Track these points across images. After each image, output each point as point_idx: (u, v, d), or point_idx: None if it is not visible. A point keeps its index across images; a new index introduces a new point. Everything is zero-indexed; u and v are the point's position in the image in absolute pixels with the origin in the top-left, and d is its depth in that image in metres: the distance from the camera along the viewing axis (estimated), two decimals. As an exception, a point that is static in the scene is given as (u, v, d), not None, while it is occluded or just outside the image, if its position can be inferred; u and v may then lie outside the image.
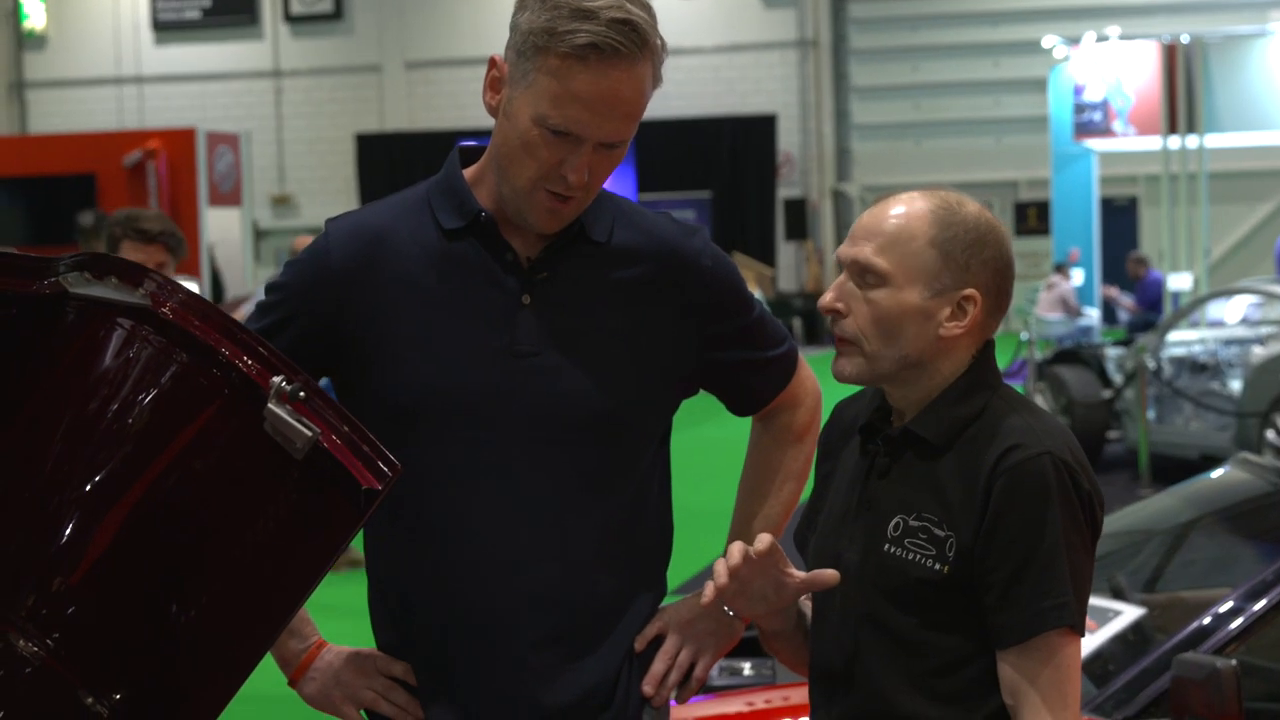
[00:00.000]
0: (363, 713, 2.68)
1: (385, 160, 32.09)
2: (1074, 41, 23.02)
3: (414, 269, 2.58)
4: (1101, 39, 22.65)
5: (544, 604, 2.58)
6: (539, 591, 2.57)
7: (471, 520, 2.57)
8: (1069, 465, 2.43)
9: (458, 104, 31.90)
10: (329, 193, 32.70)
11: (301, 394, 2.18)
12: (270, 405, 2.16)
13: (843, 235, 30.83)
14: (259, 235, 28.84)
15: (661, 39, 2.50)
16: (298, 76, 33.00)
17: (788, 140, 31.42)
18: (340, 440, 2.20)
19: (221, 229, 19.36)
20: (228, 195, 19.12)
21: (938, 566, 2.43)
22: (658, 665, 2.67)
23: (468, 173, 2.64)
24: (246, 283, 20.56)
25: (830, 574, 2.46)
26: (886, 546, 2.48)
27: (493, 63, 2.55)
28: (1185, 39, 20.99)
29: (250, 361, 2.18)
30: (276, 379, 2.17)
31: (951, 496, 2.44)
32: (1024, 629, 2.40)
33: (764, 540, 2.42)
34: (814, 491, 2.70)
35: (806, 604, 2.65)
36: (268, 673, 2.58)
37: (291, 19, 32.93)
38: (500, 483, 2.56)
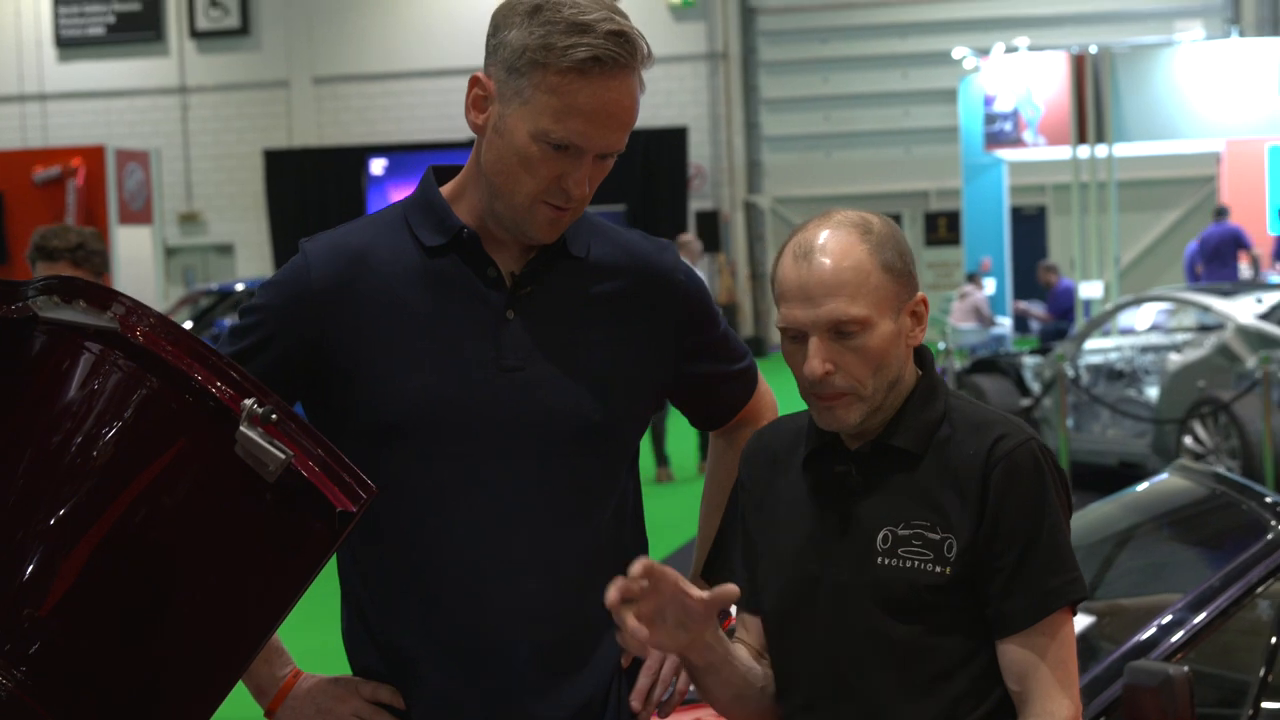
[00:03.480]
0: None
1: (294, 176, 31.90)
2: (983, 53, 23.21)
3: (396, 286, 2.57)
4: (1010, 50, 22.85)
5: (536, 618, 2.57)
6: (531, 606, 2.56)
7: (460, 536, 2.55)
8: (1047, 450, 2.53)
9: (366, 119, 31.75)
10: (237, 209, 32.48)
11: (274, 416, 2.17)
12: (242, 428, 2.14)
13: (755, 247, 30.52)
14: (167, 253, 28.60)
15: (647, 45, 2.53)
16: (205, 93, 32.73)
17: (699, 153, 31.48)
18: (313, 462, 2.19)
19: (132, 247, 19.15)
20: (138, 213, 18.91)
21: (939, 569, 2.46)
22: (643, 680, 2.68)
23: (444, 190, 2.64)
24: (159, 302, 20.35)
25: (731, 589, 2.41)
26: (880, 559, 2.49)
27: (475, 81, 2.55)
28: (1093, 50, 21.23)
29: (222, 385, 2.16)
30: (248, 401, 2.15)
31: (940, 498, 2.48)
32: (1036, 609, 2.46)
33: (637, 566, 2.38)
34: (735, 524, 2.70)
35: (739, 648, 2.64)
36: (241, 701, 2.54)
37: (198, 35, 32.66)
38: (488, 497, 2.55)
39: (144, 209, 19.09)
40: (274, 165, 32.24)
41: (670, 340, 2.69)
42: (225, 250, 32.63)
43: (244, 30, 32.59)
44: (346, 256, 2.59)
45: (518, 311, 2.58)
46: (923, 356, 2.60)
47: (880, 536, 2.49)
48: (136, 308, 2.18)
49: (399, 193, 30.15)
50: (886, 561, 2.48)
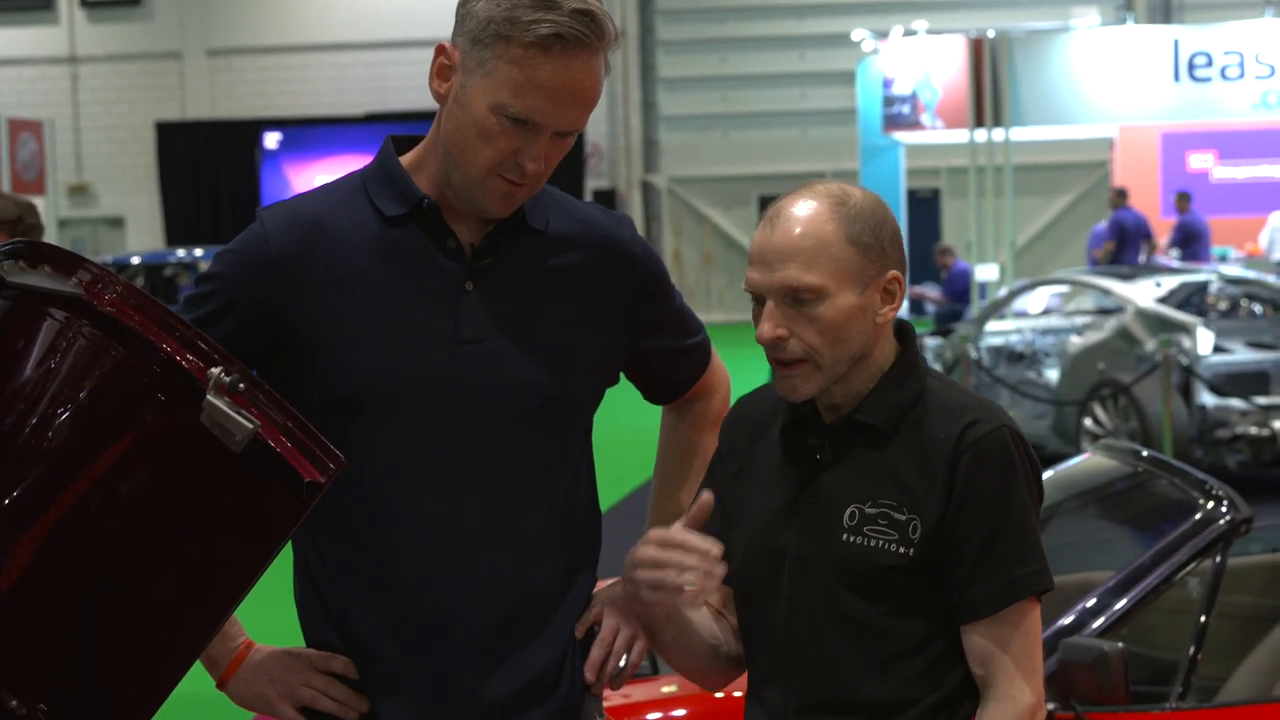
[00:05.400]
0: None
1: (187, 148, 31.59)
2: (882, 35, 23.33)
3: (355, 256, 2.56)
4: (909, 33, 22.98)
5: (493, 591, 2.56)
6: (487, 579, 2.56)
7: (415, 507, 2.54)
8: (1021, 438, 2.51)
9: (260, 92, 31.45)
10: (129, 182, 32.10)
11: (241, 385, 2.14)
12: (209, 397, 2.10)
13: (653, 227, 30.58)
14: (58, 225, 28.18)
15: (615, 27, 2.52)
16: (96, 63, 32.29)
17: (595, 131, 31.42)
18: (281, 432, 2.17)
19: (24, 219, 18.87)
20: (31, 184, 18.63)
21: (902, 550, 2.46)
22: (596, 652, 2.67)
23: (405, 160, 2.63)
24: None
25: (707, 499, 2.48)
26: (845, 536, 2.49)
27: (441, 50, 2.53)
28: (991, 34, 21.39)
29: (190, 354, 2.13)
30: (215, 370, 2.11)
31: (909, 479, 2.48)
32: (1001, 598, 2.45)
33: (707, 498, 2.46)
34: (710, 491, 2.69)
35: (704, 613, 2.64)
36: (194, 673, 2.50)
37: (88, 4, 32.21)
38: (444, 469, 2.55)
39: (37, 180, 18.82)
40: (166, 138, 31.89)
41: (627, 314, 2.69)
42: (116, 223, 32.21)
43: (135, 0, 32.16)
44: (305, 225, 2.56)
45: (477, 283, 2.57)
46: (904, 334, 2.59)
47: (847, 513, 2.49)
48: (103, 275, 2.14)
49: (292, 167, 29.93)
50: (851, 539, 2.48)
